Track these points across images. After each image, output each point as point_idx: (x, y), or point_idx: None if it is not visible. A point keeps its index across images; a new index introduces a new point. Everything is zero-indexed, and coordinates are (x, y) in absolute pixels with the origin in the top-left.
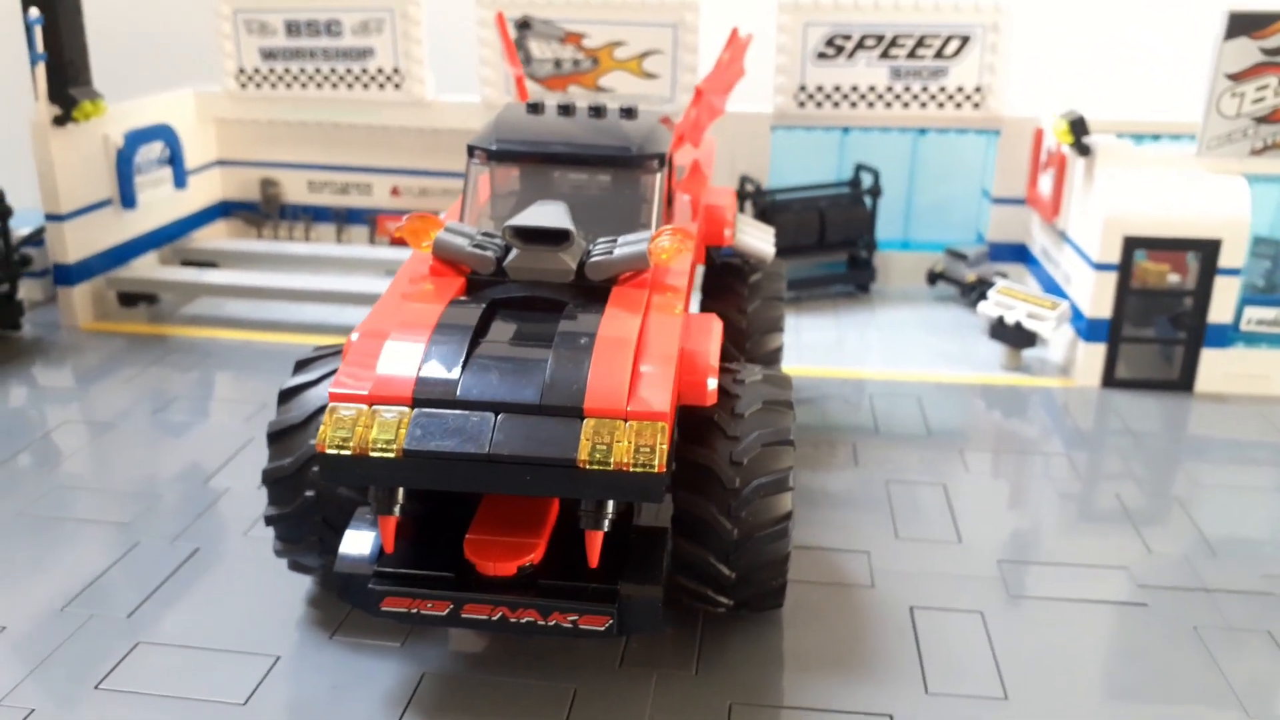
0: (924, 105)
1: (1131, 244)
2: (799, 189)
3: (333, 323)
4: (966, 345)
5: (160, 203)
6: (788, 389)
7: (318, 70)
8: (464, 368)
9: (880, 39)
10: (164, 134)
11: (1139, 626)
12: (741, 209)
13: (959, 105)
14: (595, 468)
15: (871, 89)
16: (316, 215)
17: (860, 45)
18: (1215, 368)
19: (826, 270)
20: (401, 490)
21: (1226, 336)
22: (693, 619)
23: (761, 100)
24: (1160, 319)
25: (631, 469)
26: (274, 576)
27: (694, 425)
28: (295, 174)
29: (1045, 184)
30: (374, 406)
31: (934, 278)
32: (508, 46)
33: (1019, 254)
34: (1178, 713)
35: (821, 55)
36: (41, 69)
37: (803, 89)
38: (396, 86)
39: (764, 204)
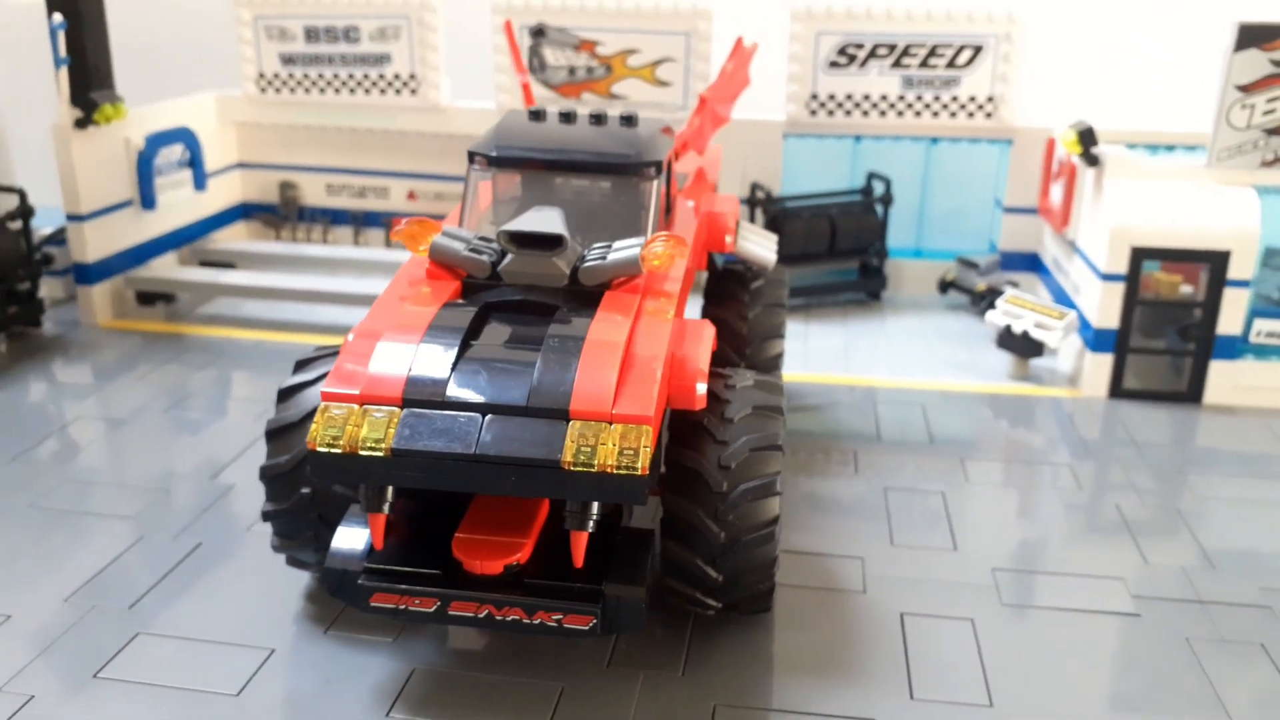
0: (936, 114)
1: (1139, 255)
2: (810, 196)
3: (346, 324)
4: (975, 354)
5: (180, 204)
6: (779, 395)
7: (336, 76)
8: (454, 369)
9: (892, 48)
10: (184, 137)
11: (1130, 637)
12: (752, 216)
13: (971, 115)
14: (579, 469)
15: (884, 98)
16: (334, 218)
17: (872, 54)
18: (1224, 380)
19: (838, 278)
20: (391, 489)
21: (1235, 348)
22: (683, 621)
23: (774, 108)
24: (1171, 330)
25: (615, 471)
26: (273, 571)
27: (684, 429)
28: (314, 177)
29: (1056, 194)
30: (365, 406)
31: (945, 286)
32: (514, 53)
33: (1031, 263)
34: None
35: (834, 64)
36: (64, 73)
37: (814, 97)
38: (413, 92)
39: (774, 211)
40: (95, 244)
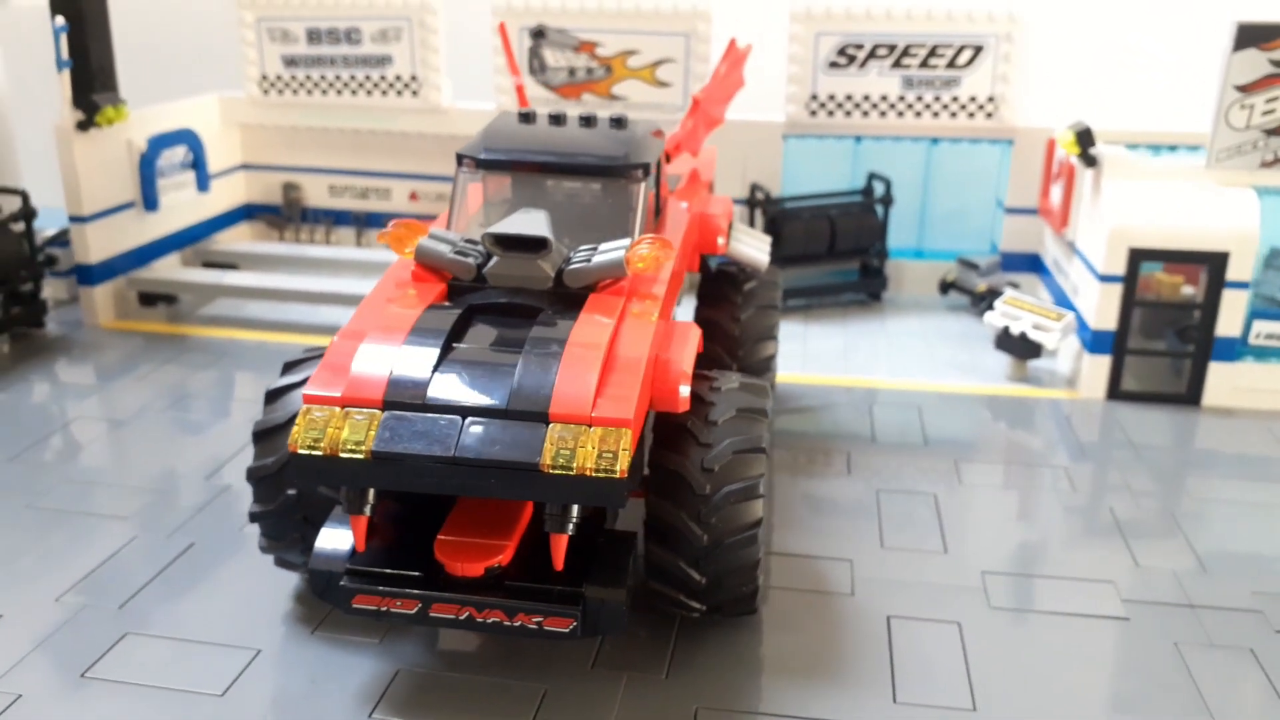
0: (936, 115)
1: (1137, 256)
2: (810, 197)
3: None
4: (975, 355)
5: (183, 205)
6: (764, 398)
7: (337, 77)
8: (435, 371)
9: (892, 49)
10: (187, 139)
11: (1118, 641)
12: (752, 217)
13: (972, 115)
14: (558, 472)
15: (884, 98)
16: (337, 219)
17: (872, 55)
18: (1223, 381)
19: (839, 278)
20: (373, 491)
21: (1235, 350)
22: (669, 623)
23: (773, 109)
24: (1170, 331)
25: (593, 474)
26: (263, 572)
27: (668, 431)
28: (317, 178)
29: (1056, 195)
30: (346, 408)
31: (946, 287)
32: (508, 55)
33: (1033, 264)
34: None
35: (833, 64)
36: (66, 75)
37: (814, 98)
38: (414, 94)
39: (774, 212)
40: (97, 245)
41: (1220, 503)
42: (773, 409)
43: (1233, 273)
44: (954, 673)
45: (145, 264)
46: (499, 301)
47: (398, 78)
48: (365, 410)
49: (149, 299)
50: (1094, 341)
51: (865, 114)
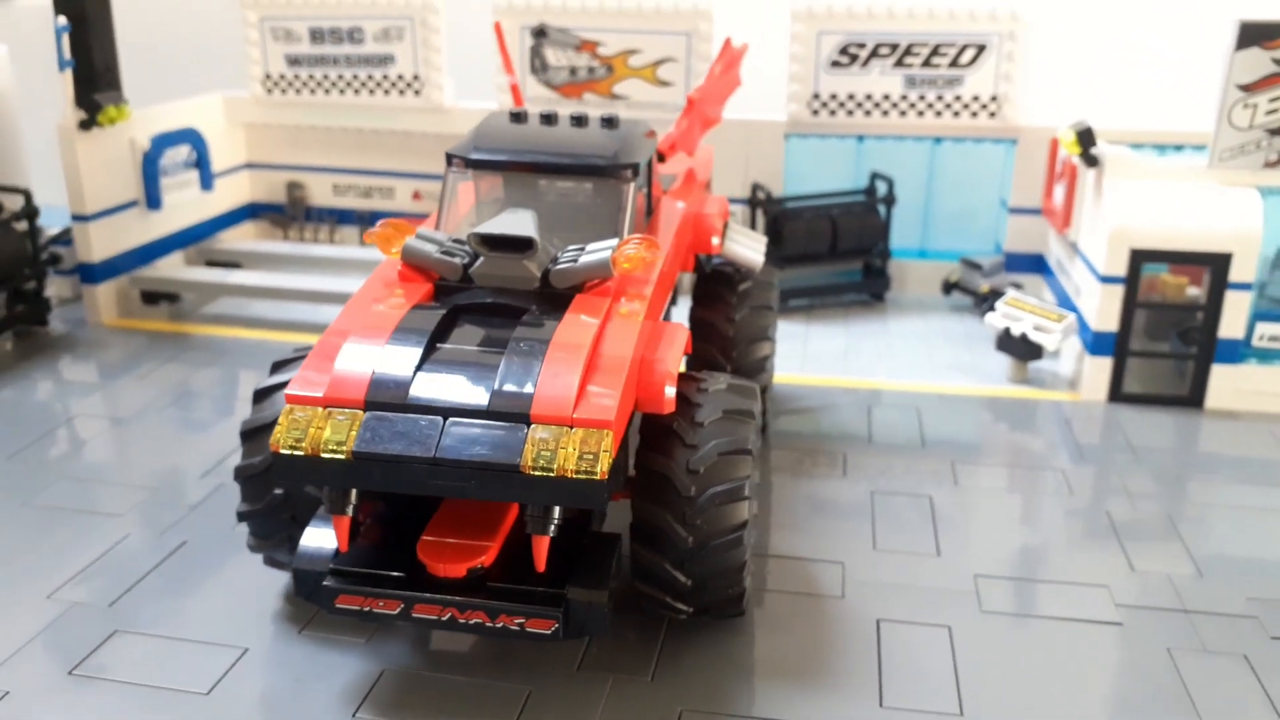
0: (939, 114)
1: (1139, 257)
2: (812, 197)
3: None
4: (976, 356)
5: (186, 204)
6: (751, 399)
7: (340, 77)
8: (417, 372)
9: (895, 48)
10: (190, 138)
11: (1110, 646)
12: (754, 217)
13: (975, 114)
14: (538, 474)
15: (886, 97)
16: (341, 218)
17: (874, 54)
18: (1226, 384)
19: (842, 278)
20: (355, 491)
21: (1238, 352)
22: (656, 625)
23: (775, 108)
24: (1173, 333)
25: (574, 475)
26: (253, 571)
27: (654, 433)
28: (320, 177)
29: (1058, 195)
30: (328, 408)
31: (949, 288)
32: (504, 54)
33: (1037, 264)
34: None
35: (835, 64)
36: (68, 75)
37: (816, 97)
38: (416, 93)
39: (775, 212)
40: (100, 244)
41: (1220, 507)
42: (769, 410)
43: (1235, 274)
44: (942, 677)
45: (148, 263)
46: (484, 302)
47: (400, 77)
48: (347, 410)
49: (152, 297)
50: (1095, 343)
51: (868, 113)
